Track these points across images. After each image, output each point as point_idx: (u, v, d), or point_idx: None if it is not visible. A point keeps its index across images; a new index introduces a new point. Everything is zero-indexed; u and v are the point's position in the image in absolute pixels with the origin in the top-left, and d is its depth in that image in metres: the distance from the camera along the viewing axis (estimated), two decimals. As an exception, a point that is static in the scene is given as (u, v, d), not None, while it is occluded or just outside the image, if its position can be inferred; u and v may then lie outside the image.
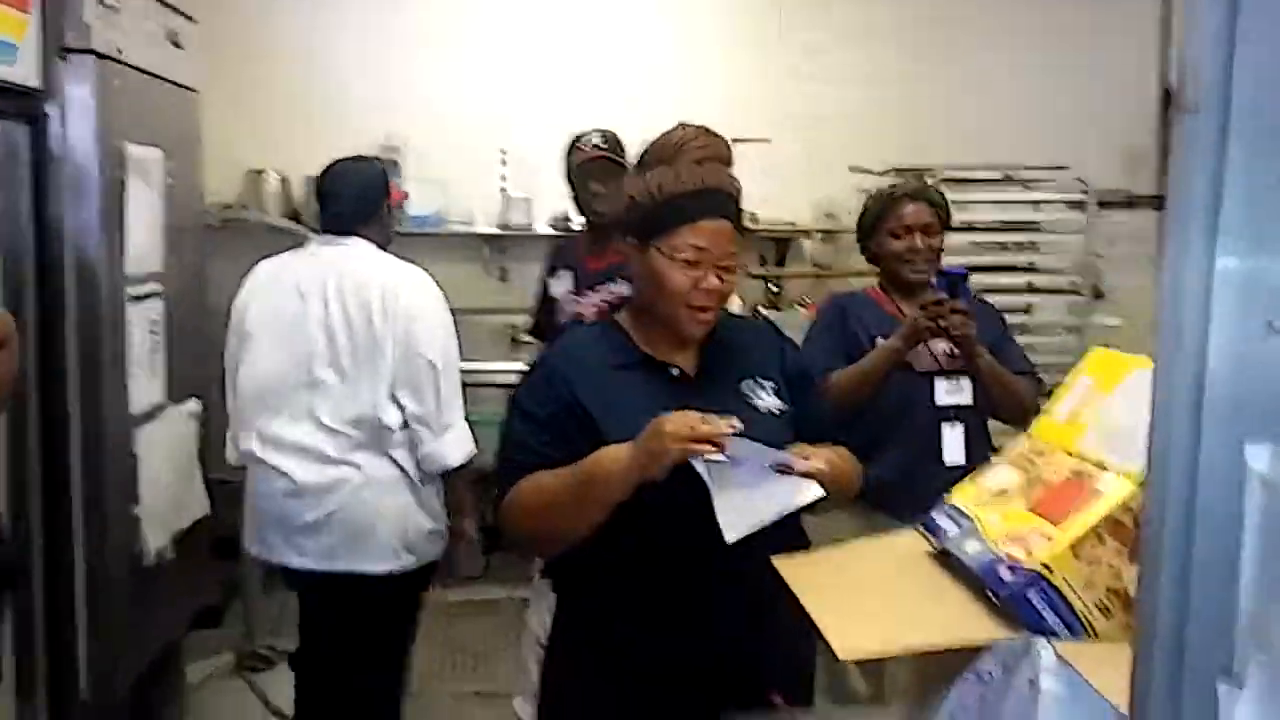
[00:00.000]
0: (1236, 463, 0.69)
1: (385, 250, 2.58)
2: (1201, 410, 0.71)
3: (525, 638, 2.75)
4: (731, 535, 1.38)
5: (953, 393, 2.52)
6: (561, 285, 3.03)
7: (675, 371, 1.62)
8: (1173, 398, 0.72)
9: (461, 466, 2.48)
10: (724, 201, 1.57)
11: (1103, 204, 4.17)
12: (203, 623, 3.31)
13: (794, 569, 1.31)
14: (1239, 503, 0.69)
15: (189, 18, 2.88)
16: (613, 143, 2.96)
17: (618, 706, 1.60)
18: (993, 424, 2.63)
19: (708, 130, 1.63)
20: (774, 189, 5.01)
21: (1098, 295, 4.16)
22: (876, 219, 2.63)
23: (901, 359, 2.48)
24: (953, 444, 2.50)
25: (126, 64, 2.48)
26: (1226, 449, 0.70)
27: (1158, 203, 5.07)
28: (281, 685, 3.46)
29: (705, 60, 5.01)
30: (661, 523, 1.48)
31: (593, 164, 2.92)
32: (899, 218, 2.57)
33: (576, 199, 3.03)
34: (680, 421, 1.40)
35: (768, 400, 1.63)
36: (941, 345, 2.49)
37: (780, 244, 4.80)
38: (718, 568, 1.51)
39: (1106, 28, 4.86)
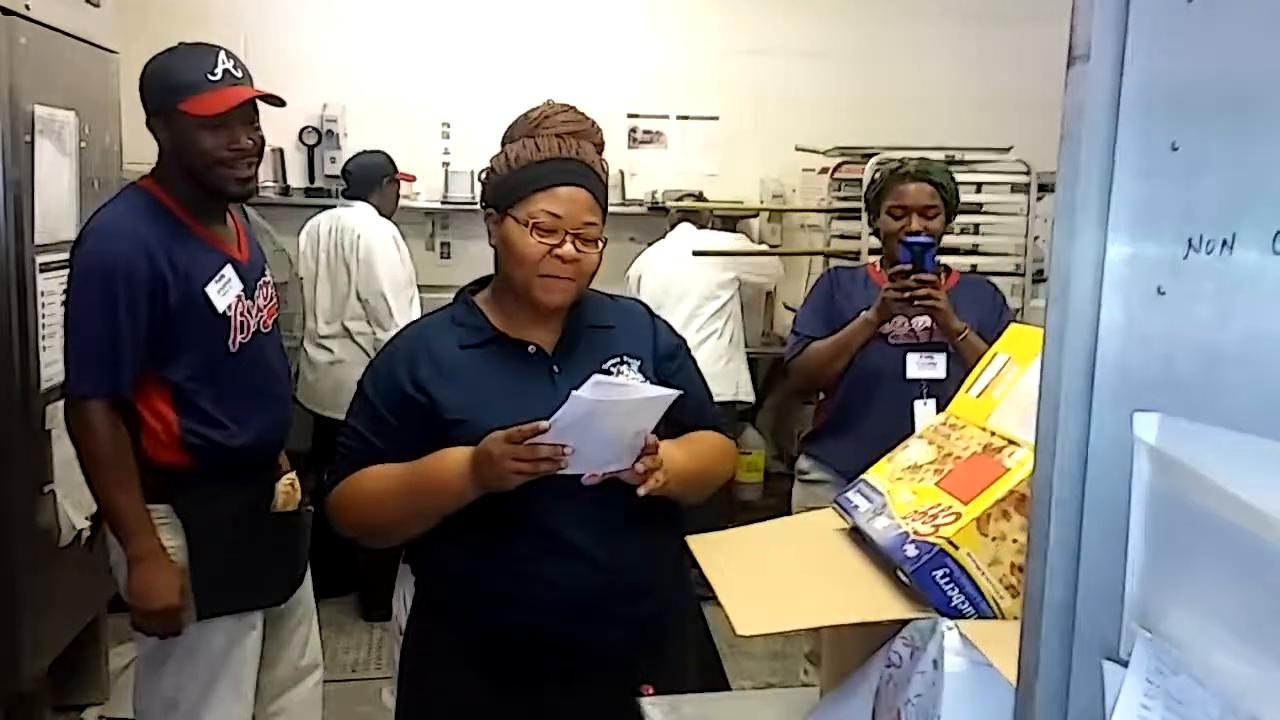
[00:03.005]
0: (1126, 433, 0.66)
1: (381, 214, 3.99)
2: (1093, 378, 0.68)
3: (390, 627, 2.25)
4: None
5: (924, 366, 2.49)
6: (232, 290, 1.99)
7: (531, 349, 1.57)
8: (1064, 369, 0.69)
9: None
10: (582, 171, 1.54)
11: (1044, 187, 4.18)
12: (125, 605, 3.21)
13: (706, 548, 1.28)
14: (1128, 474, 0.66)
15: (106, -26, 2.76)
16: (246, 72, 1.96)
17: (477, 693, 1.55)
18: None
19: (573, 109, 1.61)
20: (722, 167, 4.99)
21: (1039, 277, 4.17)
22: (879, 196, 2.60)
23: (874, 331, 2.47)
24: (924, 418, 2.45)
25: (35, 20, 2.37)
26: (1117, 418, 0.67)
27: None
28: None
29: (652, 35, 4.96)
30: (518, 500, 1.43)
31: (243, 107, 1.92)
32: (899, 195, 2.53)
33: (201, 163, 1.91)
34: (506, 450, 1.38)
35: (632, 378, 1.58)
36: (922, 320, 2.47)
37: (728, 223, 4.76)
38: (578, 546, 1.49)
39: (1051, 12, 4.87)
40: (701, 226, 4.34)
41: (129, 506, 1.91)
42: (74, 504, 2.57)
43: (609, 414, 1.34)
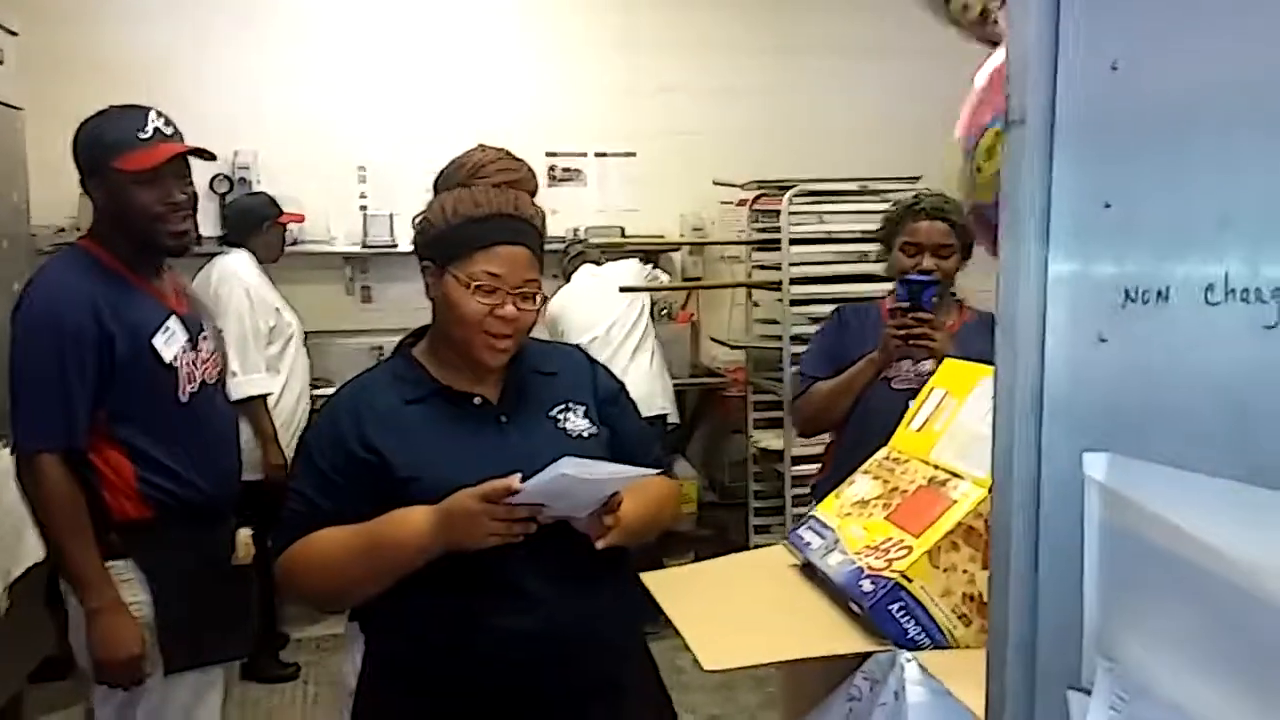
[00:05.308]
0: (1076, 471, 0.70)
1: (264, 259, 3.75)
2: (1042, 421, 0.72)
3: (339, 690, 2.01)
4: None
5: None
6: (177, 341, 1.99)
7: (477, 400, 1.56)
8: (1014, 410, 0.73)
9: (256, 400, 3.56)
10: (521, 227, 1.53)
11: (954, 212, 4.33)
12: (48, 674, 3.08)
13: (662, 584, 1.30)
14: (1080, 511, 0.70)
15: (8, 30, 2.69)
16: (176, 129, 1.98)
17: None
18: None
19: (509, 154, 1.60)
20: (641, 202, 5.05)
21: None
22: (893, 231, 2.48)
23: (877, 371, 2.38)
24: None
25: (-65, 80, 2.30)
26: (1067, 458, 0.71)
27: (1004, 210, 5.32)
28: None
29: (568, 74, 5.01)
30: (475, 556, 1.42)
31: (175, 162, 1.95)
32: (912, 232, 2.42)
33: (137, 219, 1.93)
34: (484, 509, 1.36)
35: (579, 424, 1.58)
36: (928, 364, 2.31)
37: (650, 257, 4.81)
38: (533, 595, 1.48)
39: (951, 47, 5.08)
40: (598, 264, 4.38)
41: (84, 559, 1.90)
42: (-10, 576, 2.46)
43: (583, 485, 1.35)
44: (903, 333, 2.27)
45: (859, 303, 2.73)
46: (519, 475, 1.34)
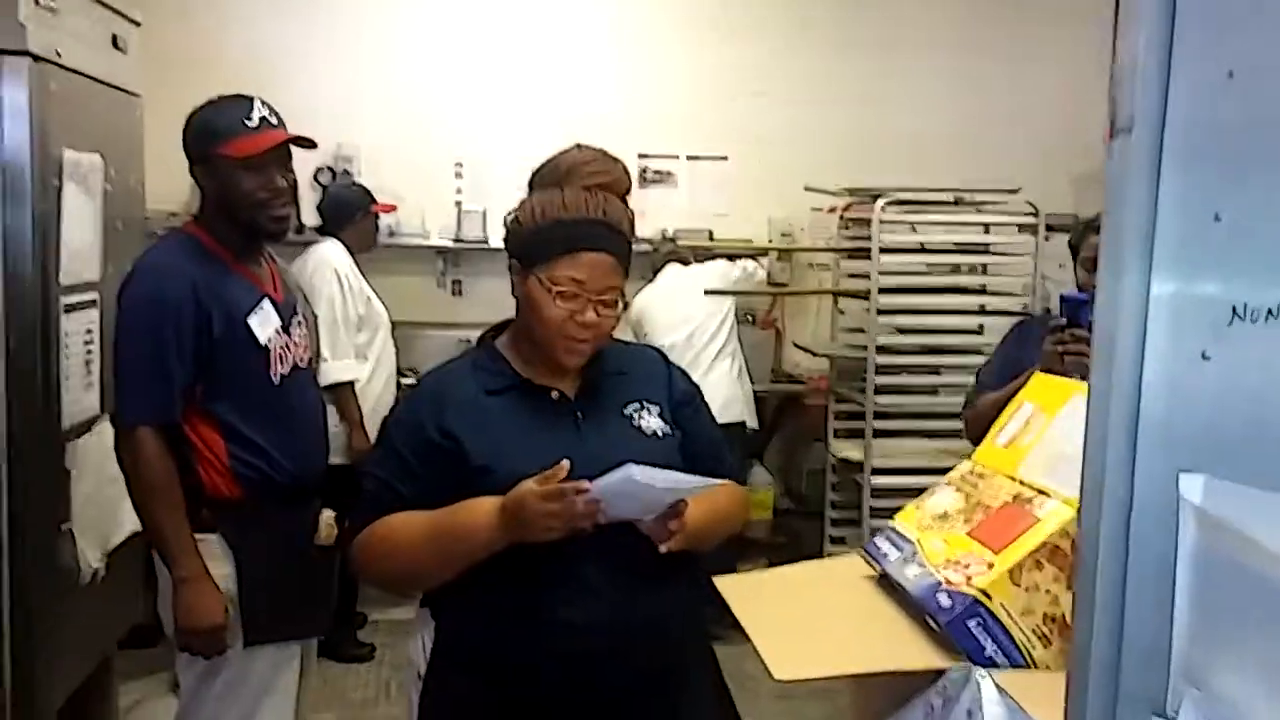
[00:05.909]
0: (1171, 492, 0.68)
1: (357, 249, 3.88)
2: (1137, 439, 0.70)
3: (407, 672, 1.93)
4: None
5: None
6: (271, 324, 2.06)
7: (555, 395, 1.58)
8: (1108, 425, 0.70)
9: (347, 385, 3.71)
10: (607, 233, 1.54)
11: (1051, 227, 4.21)
12: (137, 642, 3.21)
13: (735, 590, 1.29)
14: (1174, 533, 0.68)
15: (132, 20, 2.81)
16: (280, 118, 2.06)
17: None
18: None
19: (605, 154, 1.61)
20: (731, 206, 5.04)
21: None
22: (1076, 248, 2.54)
23: None
24: None
25: (64, 67, 2.41)
26: (1161, 478, 0.69)
27: (1106, 226, 5.14)
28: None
29: (662, 75, 5.02)
30: (540, 544, 1.44)
31: (278, 150, 2.02)
32: (1090, 248, 2.46)
33: (241, 204, 2.00)
34: (542, 507, 1.38)
35: (652, 423, 1.60)
36: None
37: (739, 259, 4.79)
38: (599, 590, 1.49)
39: (1057, 54, 4.94)
40: (686, 263, 4.37)
41: (175, 530, 1.97)
42: (90, 542, 2.57)
43: (648, 491, 1.36)
44: (1060, 350, 2.25)
45: (1040, 317, 2.71)
46: (566, 462, 1.38)
